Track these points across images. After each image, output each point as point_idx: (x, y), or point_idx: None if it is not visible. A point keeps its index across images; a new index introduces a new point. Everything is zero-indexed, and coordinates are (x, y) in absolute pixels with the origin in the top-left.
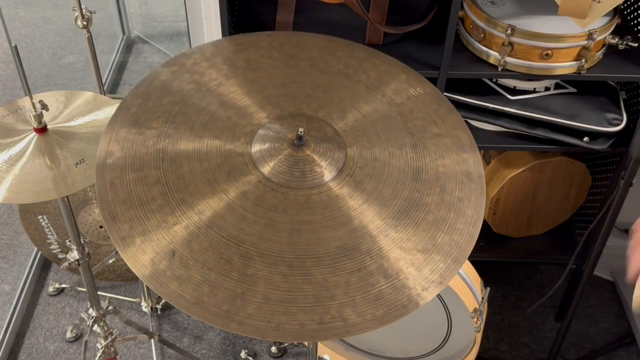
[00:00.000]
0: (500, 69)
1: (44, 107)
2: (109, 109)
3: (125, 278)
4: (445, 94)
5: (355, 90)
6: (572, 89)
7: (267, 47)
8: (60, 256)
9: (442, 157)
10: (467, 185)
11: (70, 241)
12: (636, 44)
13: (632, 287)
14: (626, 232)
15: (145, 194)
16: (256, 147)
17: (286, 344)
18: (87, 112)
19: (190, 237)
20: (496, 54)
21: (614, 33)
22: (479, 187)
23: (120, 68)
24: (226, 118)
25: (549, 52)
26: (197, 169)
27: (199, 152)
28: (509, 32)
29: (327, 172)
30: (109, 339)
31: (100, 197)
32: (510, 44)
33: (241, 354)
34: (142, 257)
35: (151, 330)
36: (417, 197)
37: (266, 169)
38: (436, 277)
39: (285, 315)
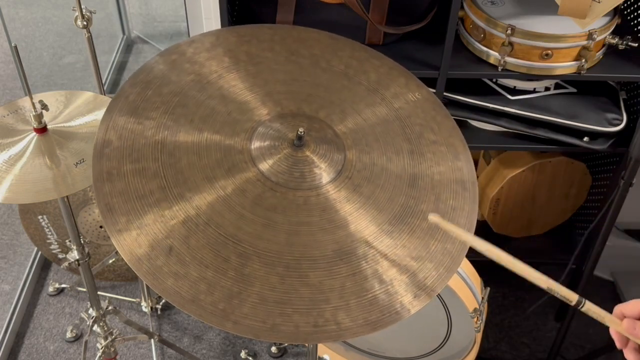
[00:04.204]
0: (500, 69)
1: (44, 107)
2: None
3: (125, 278)
4: (445, 94)
5: (356, 92)
6: (572, 89)
7: (268, 40)
8: (60, 256)
9: (438, 165)
10: (461, 195)
11: (70, 241)
12: (636, 44)
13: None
14: (626, 232)
15: (143, 187)
16: (256, 144)
17: (286, 344)
18: (87, 112)
19: (188, 234)
20: (496, 54)
21: (614, 33)
22: (472, 196)
23: (120, 68)
24: (226, 113)
25: (549, 52)
26: (196, 164)
27: (198, 146)
28: (509, 32)
29: (325, 174)
30: (109, 339)
31: (97, 188)
32: (510, 44)
33: (241, 354)
34: (138, 251)
35: (151, 330)
36: (412, 204)
37: (265, 167)
38: (429, 284)
39: (281, 317)
